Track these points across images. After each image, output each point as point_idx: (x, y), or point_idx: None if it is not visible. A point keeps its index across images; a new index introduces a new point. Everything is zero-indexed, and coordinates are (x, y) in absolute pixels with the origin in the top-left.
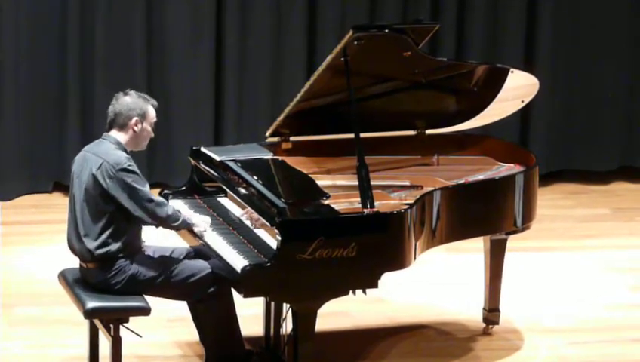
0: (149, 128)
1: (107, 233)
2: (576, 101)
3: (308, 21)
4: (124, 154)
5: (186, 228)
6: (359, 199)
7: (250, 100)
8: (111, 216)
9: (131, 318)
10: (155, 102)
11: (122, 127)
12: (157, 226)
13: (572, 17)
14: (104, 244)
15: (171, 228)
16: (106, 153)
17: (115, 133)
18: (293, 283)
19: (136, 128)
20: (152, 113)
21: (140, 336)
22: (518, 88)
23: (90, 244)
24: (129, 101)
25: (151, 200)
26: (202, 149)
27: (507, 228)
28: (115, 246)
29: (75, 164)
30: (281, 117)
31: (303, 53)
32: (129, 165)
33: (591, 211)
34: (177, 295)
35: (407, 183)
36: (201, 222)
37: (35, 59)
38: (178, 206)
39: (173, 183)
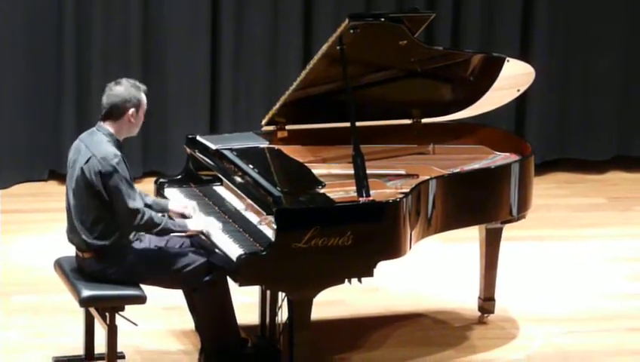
0: (142, 115)
1: (100, 226)
2: (572, 90)
3: (304, 10)
4: (114, 151)
5: (170, 233)
6: (355, 188)
7: (246, 89)
8: (100, 209)
9: (127, 307)
10: (145, 88)
11: (118, 118)
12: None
13: (568, 7)
14: (98, 237)
15: (150, 233)
16: (96, 147)
17: (109, 125)
18: (288, 271)
19: (132, 119)
20: (145, 101)
21: (136, 325)
22: (514, 77)
23: (85, 236)
24: (123, 92)
25: (127, 205)
26: (198, 138)
27: (503, 217)
28: (109, 240)
29: (71, 153)
30: (277, 105)
31: (299, 41)
32: (116, 163)
33: (587, 200)
34: (173, 284)
35: (402, 172)
36: (209, 226)
37: (32, 48)
38: (174, 194)
39: (168, 172)
